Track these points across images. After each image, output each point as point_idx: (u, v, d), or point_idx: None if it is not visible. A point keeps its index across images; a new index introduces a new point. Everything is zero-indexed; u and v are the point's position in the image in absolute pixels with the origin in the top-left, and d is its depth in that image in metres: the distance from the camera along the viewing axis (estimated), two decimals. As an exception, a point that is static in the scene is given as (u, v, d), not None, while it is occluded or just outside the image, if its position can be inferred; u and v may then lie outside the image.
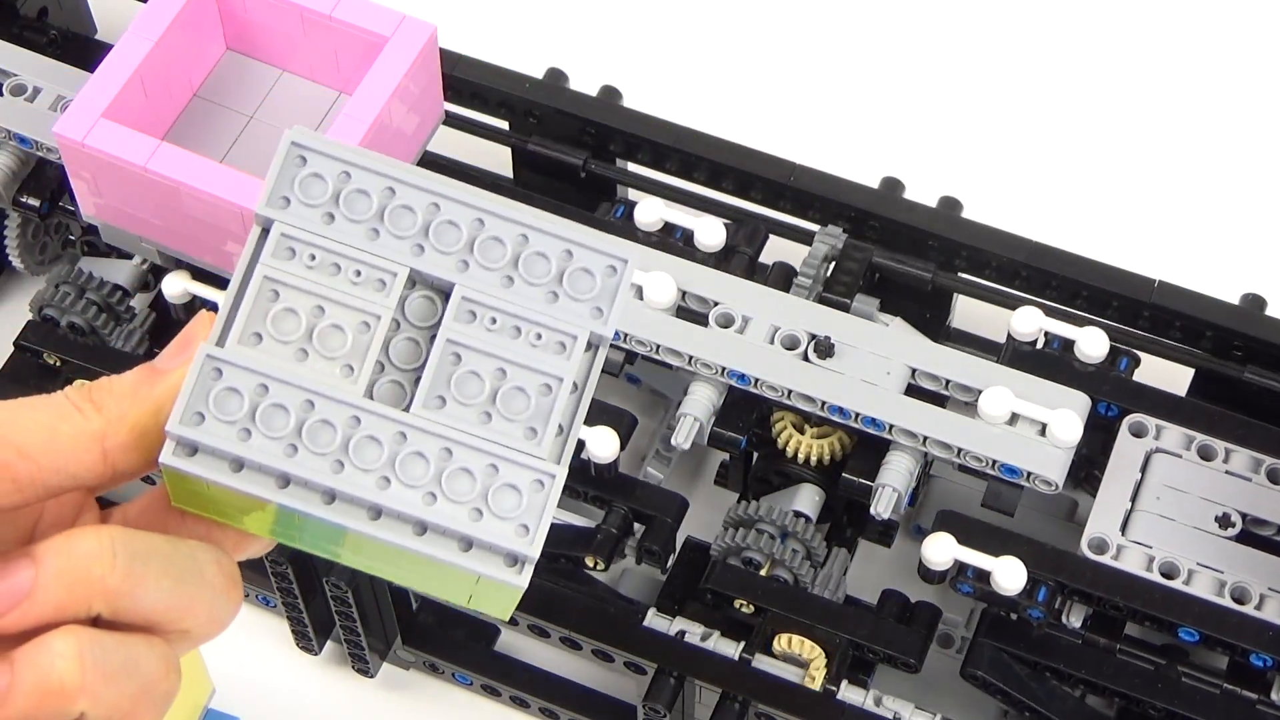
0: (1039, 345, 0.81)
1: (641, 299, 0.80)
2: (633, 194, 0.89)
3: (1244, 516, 0.76)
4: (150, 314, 0.86)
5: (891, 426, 0.77)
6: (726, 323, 0.80)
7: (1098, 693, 0.77)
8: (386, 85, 0.77)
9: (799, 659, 0.77)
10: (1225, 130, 1.03)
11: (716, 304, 0.80)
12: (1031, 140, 1.03)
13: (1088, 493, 0.82)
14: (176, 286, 0.82)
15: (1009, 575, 0.74)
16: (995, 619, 0.77)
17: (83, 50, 0.90)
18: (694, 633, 0.78)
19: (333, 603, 0.80)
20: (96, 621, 0.46)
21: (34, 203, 0.87)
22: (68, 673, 0.45)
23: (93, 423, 0.47)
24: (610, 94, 0.89)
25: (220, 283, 0.82)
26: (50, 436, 0.47)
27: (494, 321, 0.48)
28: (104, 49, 0.80)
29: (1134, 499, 0.77)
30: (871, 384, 0.78)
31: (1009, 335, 0.81)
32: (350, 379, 0.47)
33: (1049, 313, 0.81)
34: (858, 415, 0.77)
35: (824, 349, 0.78)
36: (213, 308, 0.80)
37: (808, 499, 0.81)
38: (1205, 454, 0.78)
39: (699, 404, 0.79)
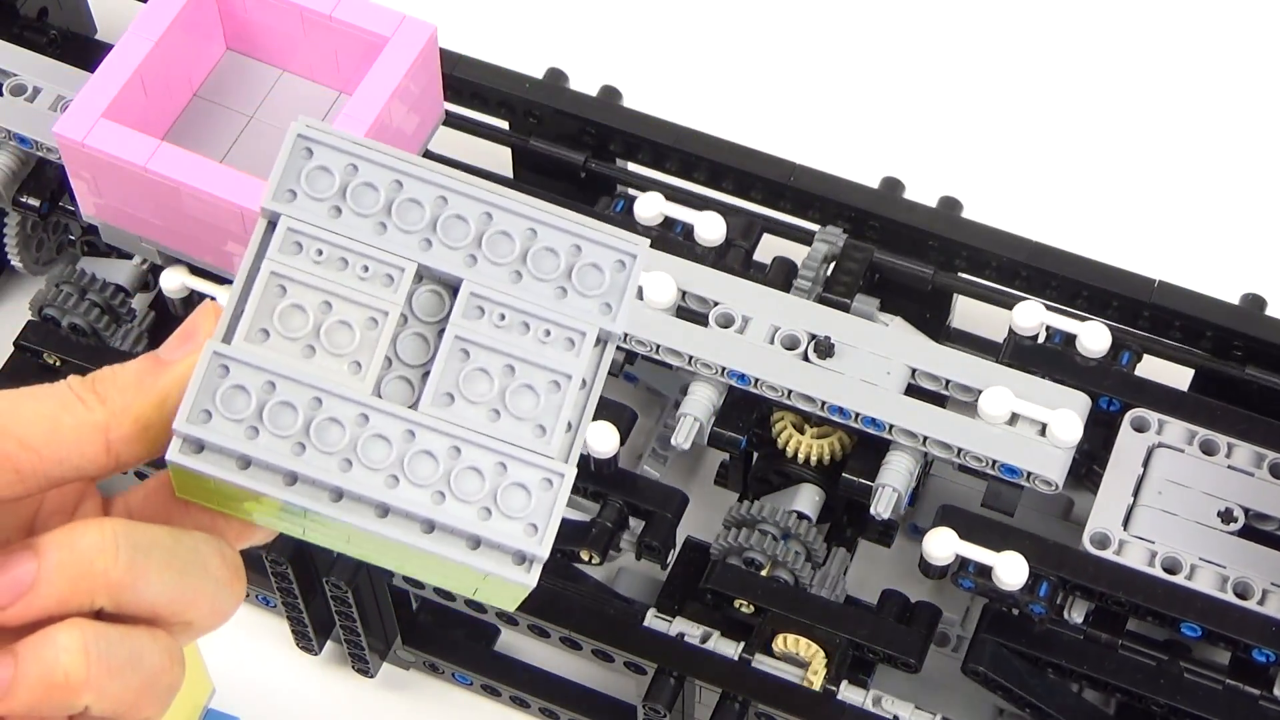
0: (1040, 340, 0.81)
1: (641, 299, 0.80)
2: (632, 169, 0.89)
3: (1246, 511, 0.76)
4: (150, 314, 0.86)
5: (891, 426, 0.77)
6: (726, 323, 0.80)
7: (1100, 689, 0.77)
8: (386, 85, 0.77)
9: (799, 659, 0.77)
10: (1225, 130, 1.03)
11: (716, 304, 0.80)
12: (1031, 140, 1.03)
13: (1087, 490, 0.82)
14: (174, 281, 0.82)
15: (1011, 570, 0.74)
16: (997, 615, 0.77)
17: (83, 50, 0.90)
18: (694, 633, 0.78)
19: (333, 603, 0.80)
20: (99, 614, 0.46)
21: (34, 203, 0.87)
22: (72, 666, 0.45)
23: (96, 414, 0.47)
24: (610, 94, 0.89)
25: (219, 279, 0.82)
26: (53, 428, 0.46)
27: (502, 318, 0.48)
28: (104, 49, 0.80)
29: (1136, 494, 0.77)
30: (871, 384, 0.78)
31: (1010, 330, 0.81)
32: (358, 376, 0.47)
33: (1050, 308, 0.81)
34: (858, 415, 0.77)
35: (824, 349, 0.78)
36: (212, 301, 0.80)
37: (808, 499, 0.81)
38: (1207, 449, 0.78)
39: (699, 404, 0.79)
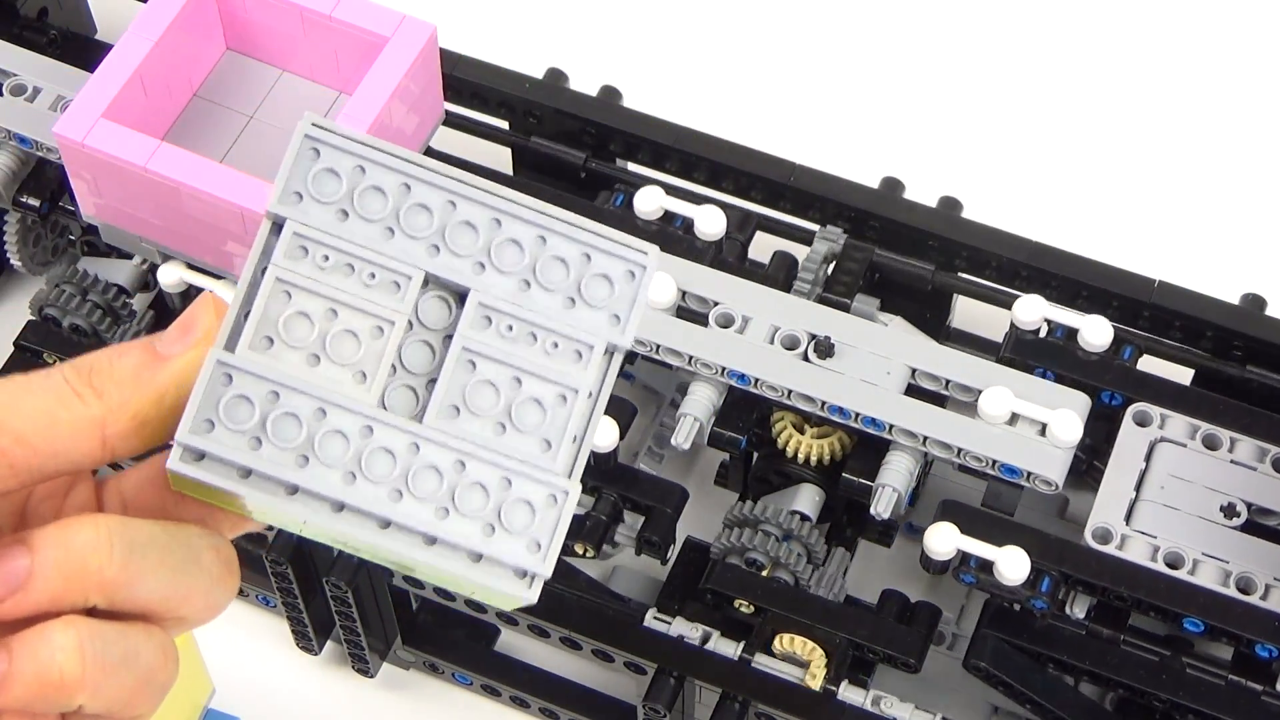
0: (1041, 334, 0.81)
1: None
2: (632, 168, 0.88)
3: (1249, 506, 0.76)
4: (150, 314, 0.86)
5: (891, 426, 0.77)
6: (726, 323, 0.80)
7: (1102, 684, 0.76)
8: (387, 85, 0.77)
9: (799, 659, 0.77)
10: (1225, 130, 1.03)
11: (716, 304, 0.80)
12: (1031, 140, 1.03)
13: (1085, 489, 0.82)
14: (172, 275, 0.82)
15: (1012, 565, 0.74)
16: (998, 610, 0.77)
17: (83, 50, 0.90)
18: (694, 633, 0.78)
19: (333, 603, 0.80)
20: (92, 610, 0.46)
21: (34, 203, 0.87)
22: (68, 665, 0.45)
23: (93, 409, 0.46)
24: (610, 94, 0.89)
25: (217, 274, 0.82)
26: (49, 423, 0.46)
27: (510, 328, 0.47)
28: (104, 49, 0.80)
29: (1138, 488, 0.77)
30: (871, 384, 0.78)
31: (1011, 324, 0.81)
32: (363, 387, 0.46)
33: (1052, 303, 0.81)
34: (858, 415, 0.77)
35: (824, 349, 0.78)
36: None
37: (808, 499, 0.81)
38: (1210, 443, 0.78)
39: (699, 404, 0.79)
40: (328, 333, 0.46)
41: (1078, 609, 0.76)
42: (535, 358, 0.47)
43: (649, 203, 0.84)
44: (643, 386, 0.90)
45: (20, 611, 0.45)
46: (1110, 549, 0.75)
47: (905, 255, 0.84)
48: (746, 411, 0.80)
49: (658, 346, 0.79)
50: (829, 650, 0.77)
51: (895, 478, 0.77)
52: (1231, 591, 0.74)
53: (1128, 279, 0.83)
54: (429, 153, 0.85)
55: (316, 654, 0.86)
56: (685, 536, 0.83)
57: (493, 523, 0.46)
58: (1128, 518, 0.76)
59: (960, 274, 0.85)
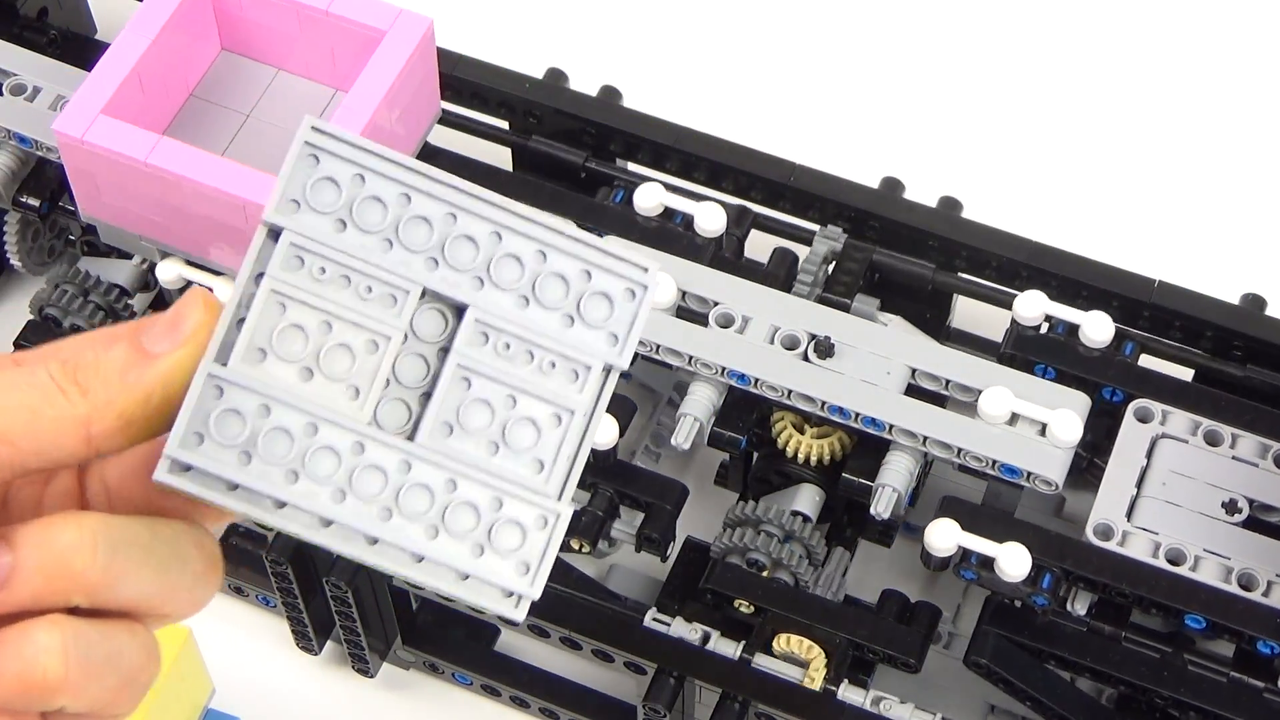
0: (1043, 331, 0.81)
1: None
2: (632, 169, 0.88)
3: (1251, 502, 0.76)
4: (150, 314, 0.86)
5: (891, 426, 0.77)
6: (726, 323, 0.80)
7: (1103, 681, 0.76)
8: (384, 80, 0.77)
9: (799, 659, 0.77)
10: (1225, 130, 1.03)
11: (716, 304, 0.80)
12: (1031, 140, 1.03)
13: (1083, 486, 0.82)
14: (171, 272, 0.82)
15: (1013, 562, 0.74)
16: (999, 606, 0.77)
17: (83, 50, 0.90)
18: (694, 633, 0.78)
19: (333, 603, 0.80)
20: (74, 608, 0.46)
21: (34, 203, 0.87)
22: (51, 667, 0.44)
23: (78, 408, 0.45)
24: (610, 94, 0.89)
25: (216, 270, 0.82)
26: (32, 420, 0.45)
27: (507, 346, 0.46)
28: (103, 49, 0.80)
29: (1140, 485, 0.77)
30: (871, 384, 0.78)
31: (1012, 320, 0.81)
32: (356, 402, 0.45)
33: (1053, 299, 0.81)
34: (858, 415, 0.77)
35: (824, 349, 0.78)
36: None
37: (808, 499, 0.81)
38: (1211, 439, 0.78)
39: (699, 404, 0.79)
40: (322, 346, 0.45)
41: (1079, 606, 0.76)
42: (531, 376, 0.46)
43: (649, 199, 0.84)
44: (639, 385, 0.90)
45: (1, 610, 0.45)
46: (1112, 545, 0.75)
47: (905, 255, 0.84)
48: (746, 411, 0.80)
49: (658, 346, 0.79)
50: (829, 650, 0.77)
51: (895, 478, 0.77)
52: (1233, 588, 0.74)
53: (1128, 279, 0.83)
54: (427, 148, 0.85)
55: (316, 654, 0.86)
56: (685, 536, 0.83)
57: (482, 543, 0.46)
58: (1129, 514, 0.76)
59: (960, 274, 0.85)
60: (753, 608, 0.78)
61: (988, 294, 0.84)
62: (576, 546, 0.79)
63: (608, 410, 0.76)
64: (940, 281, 0.84)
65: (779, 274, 0.84)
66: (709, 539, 0.81)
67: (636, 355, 0.79)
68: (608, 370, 0.47)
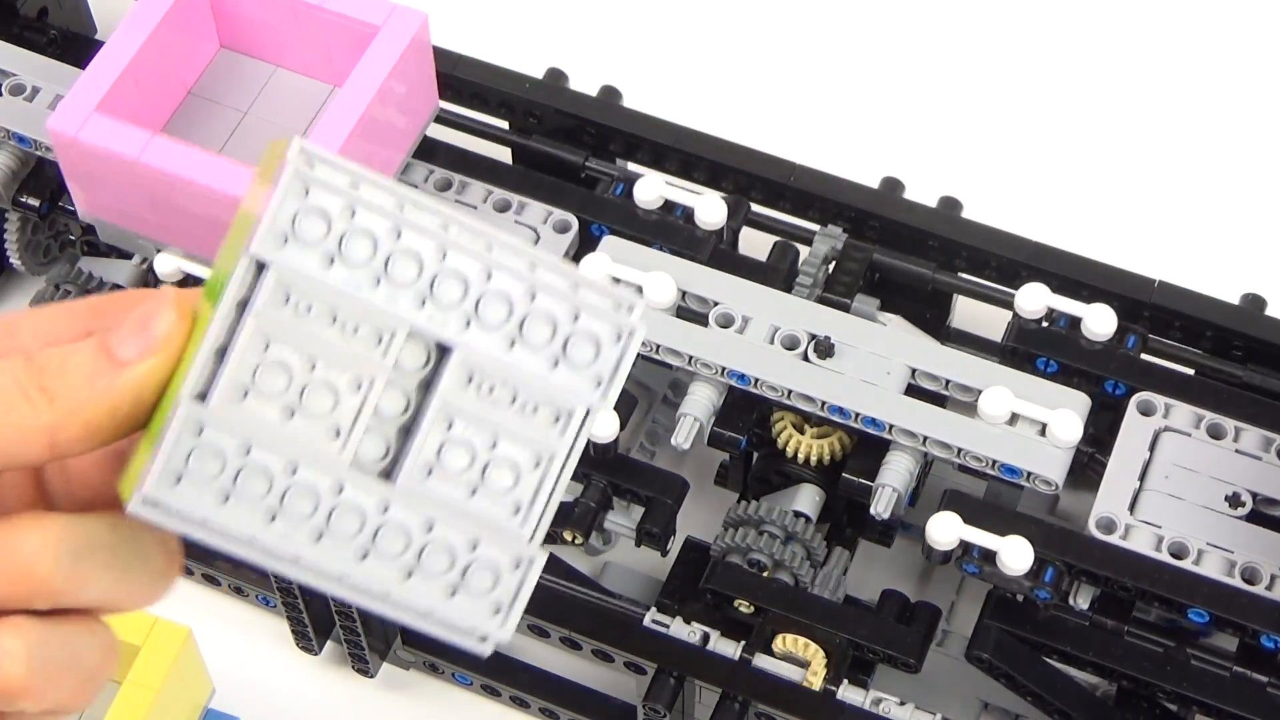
0: (1045, 324, 0.81)
1: (641, 298, 0.80)
2: (632, 168, 0.89)
3: (1254, 496, 0.76)
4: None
5: (891, 426, 0.77)
6: (726, 323, 0.80)
7: (1105, 675, 0.76)
8: (378, 74, 0.78)
9: (799, 659, 0.77)
10: (1225, 130, 1.03)
11: (716, 304, 0.80)
12: (1031, 140, 1.03)
13: (1078, 484, 0.81)
14: (169, 265, 0.82)
15: (1016, 555, 0.74)
16: (1000, 600, 0.77)
17: (82, 50, 0.90)
18: (694, 633, 0.78)
19: (333, 603, 0.80)
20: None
21: (34, 203, 0.87)
22: (14, 673, 0.44)
23: (43, 416, 0.44)
24: (610, 94, 0.89)
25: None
26: None
27: (491, 389, 0.45)
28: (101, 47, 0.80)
29: (1142, 478, 0.76)
30: (871, 384, 0.78)
31: (1014, 313, 0.81)
32: (337, 443, 0.44)
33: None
34: (858, 415, 0.77)
35: (824, 349, 0.78)
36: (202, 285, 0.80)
37: (808, 499, 0.81)
38: (1215, 432, 0.77)
39: (699, 404, 0.79)
40: (305, 385, 0.44)
41: (1081, 600, 0.76)
42: (514, 419, 0.45)
43: (649, 192, 0.84)
44: (635, 382, 0.90)
45: None
46: (1114, 539, 0.75)
47: (905, 255, 0.84)
48: (746, 411, 0.80)
49: (658, 346, 0.79)
50: (829, 650, 0.77)
51: (895, 478, 0.77)
52: (1236, 582, 0.74)
53: (1128, 279, 0.82)
54: (425, 143, 0.85)
55: (316, 654, 0.86)
56: (685, 536, 0.83)
57: (456, 584, 0.45)
58: (1132, 507, 0.76)
59: (960, 274, 0.85)
60: (753, 608, 0.78)
61: (988, 294, 0.84)
62: (570, 538, 0.79)
63: None
64: (940, 281, 0.84)
65: (780, 268, 0.84)
66: (709, 539, 0.81)
67: (638, 357, 0.80)
68: (589, 412, 0.46)
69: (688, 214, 0.84)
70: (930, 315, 0.85)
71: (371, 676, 0.86)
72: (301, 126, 0.81)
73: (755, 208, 0.87)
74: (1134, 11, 1.07)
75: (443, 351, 0.45)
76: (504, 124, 0.90)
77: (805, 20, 1.08)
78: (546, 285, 0.45)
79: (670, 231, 0.83)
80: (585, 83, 0.89)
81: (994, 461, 0.76)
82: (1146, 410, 0.78)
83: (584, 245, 0.84)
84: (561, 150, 0.88)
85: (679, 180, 0.87)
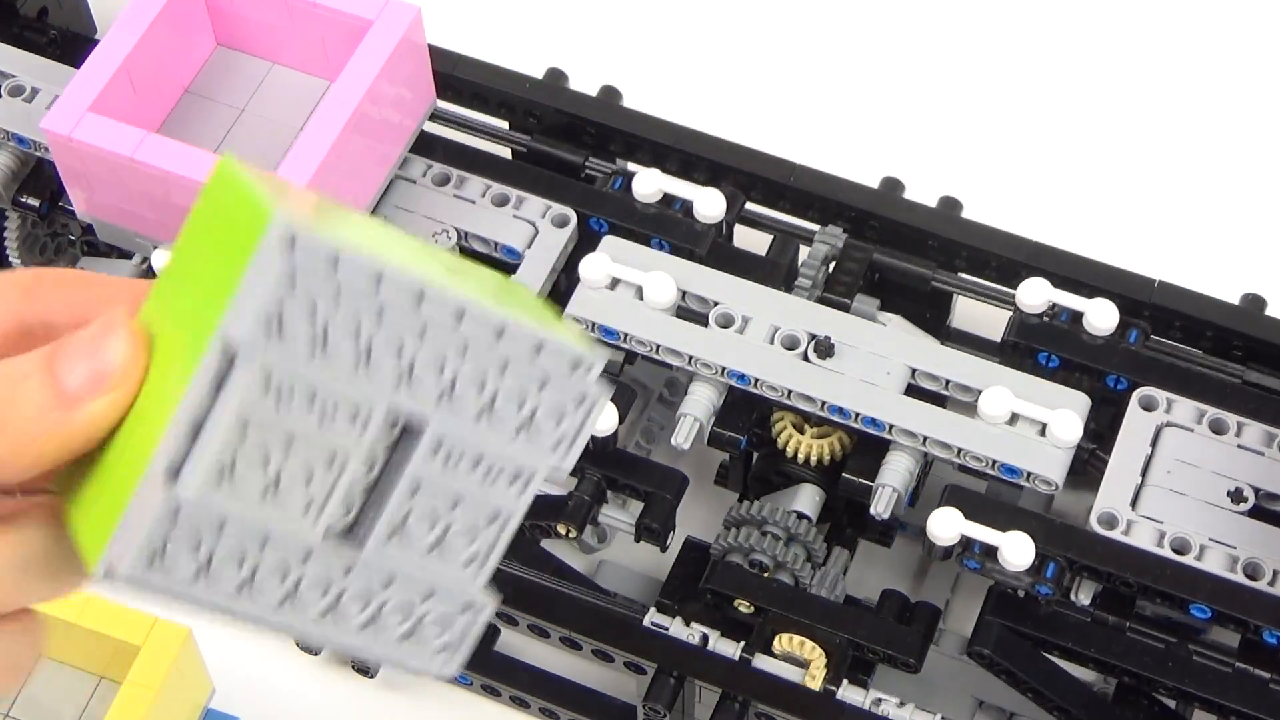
0: (1046, 319, 0.80)
1: (641, 299, 0.80)
2: (631, 168, 0.89)
3: (1256, 491, 0.76)
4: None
5: (891, 426, 0.77)
6: (726, 323, 0.80)
7: (1107, 671, 0.76)
8: (371, 68, 0.78)
9: (799, 659, 0.77)
10: (1225, 130, 1.03)
11: (716, 304, 0.80)
12: (1031, 140, 1.03)
13: (1076, 484, 0.81)
14: (166, 260, 0.82)
15: (1017, 551, 0.74)
16: (1001, 596, 0.77)
17: (82, 50, 0.90)
18: (694, 633, 0.78)
19: (333, 603, 0.80)
20: None
21: (34, 203, 0.87)
22: None
23: None
24: (610, 94, 0.89)
25: None
26: None
27: (459, 459, 0.45)
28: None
29: (1144, 473, 0.76)
30: (871, 384, 0.78)
31: (1016, 307, 0.81)
32: (308, 517, 0.44)
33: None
34: (858, 415, 0.77)
35: (824, 349, 0.78)
36: None
37: (808, 499, 0.81)
38: (1217, 428, 0.77)
39: (699, 404, 0.79)
40: (282, 466, 0.43)
41: (1083, 595, 0.76)
42: (476, 485, 0.46)
43: (648, 185, 0.84)
44: (630, 380, 0.90)
45: None
46: (1116, 534, 0.75)
47: (905, 255, 0.84)
48: (746, 411, 0.80)
49: (658, 346, 0.79)
50: (829, 650, 0.77)
51: (895, 478, 0.77)
52: (1239, 577, 0.74)
53: (1128, 279, 0.83)
54: (421, 139, 0.85)
55: (316, 654, 0.86)
56: (685, 536, 0.83)
57: (411, 632, 0.46)
58: (1133, 503, 0.76)
59: (960, 274, 0.85)
60: (753, 608, 0.78)
61: (988, 294, 0.84)
62: (564, 531, 0.79)
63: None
64: (940, 281, 0.84)
65: (781, 262, 0.84)
66: (709, 539, 0.81)
67: (636, 356, 0.80)
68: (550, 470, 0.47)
69: (687, 208, 0.84)
70: (930, 315, 0.85)
71: (371, 676, 0.86)
72: (298, 123, 0.81)
73: (756, 207, 0.87)
74: (1134, 11, 1.07)
75: (410, 418, 0.45)
76: (504, 124, 0.90)
77: (805, 20, 1.08)
78: (516, 355, 0.45)
79: (669, 225, 0.83)
80: (585, 83, 0.89)
81: (994, 461, 0.76)
82: (1148, 405, 0.78)
83: (583, 239, 0.84)
84: (561, 150, 0.88)
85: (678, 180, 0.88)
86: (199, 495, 0.42)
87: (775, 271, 0.83)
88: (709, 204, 0.83)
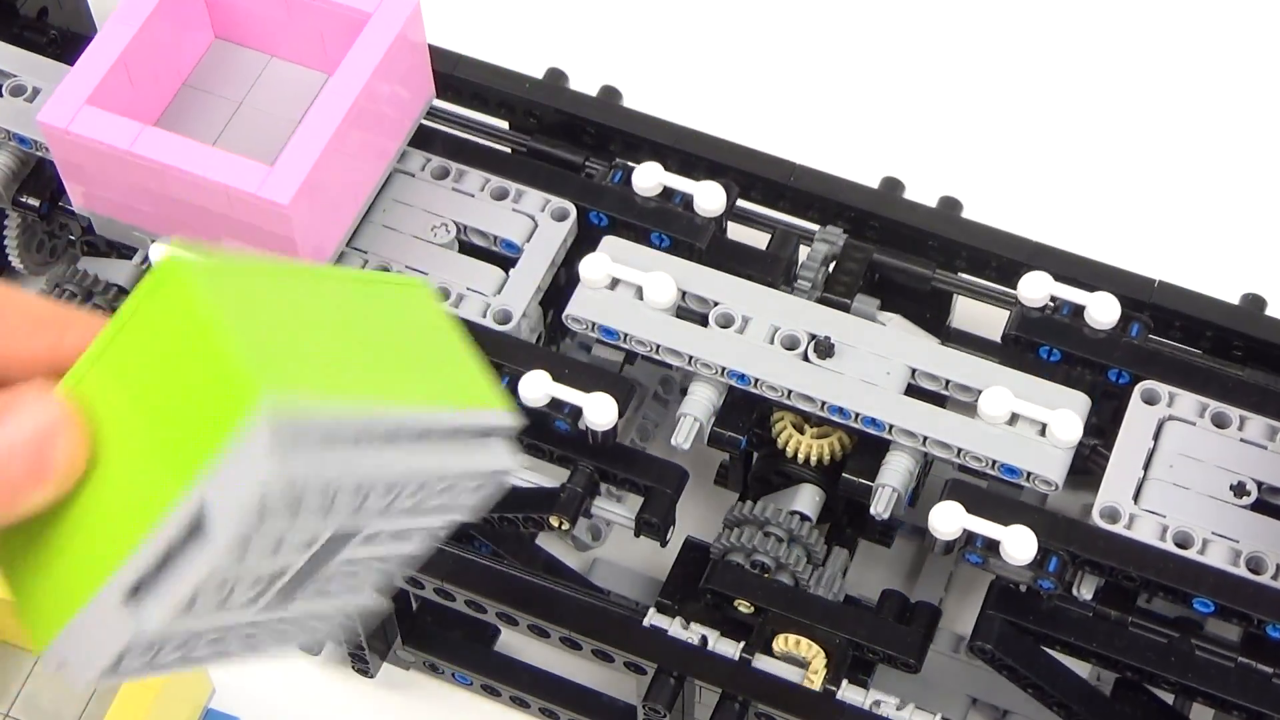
0: (1048, 312, 0.80)
1: (641, 299, 0.80)
2: (631, 163, 0.89)
3: (1259, 485, 0.76)
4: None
5: (891, 426, 0.77)
6: (726, 323, 0.80)
7: (1109, 666, 0.76)
8: (369, 61, 0.78)
9: (799, 659, 0.77)
10: (1225, 130, 1.03)
11: (716, 304, 0.80)
12: (1031, 140, 1.03)
13: (1072, 483, 0.81)
14: (164, 255, 0.82)
15: (1019, 545, 0.73)
16: (1003, 591, 0.76)
17: (82, 50, 0.90)
18: (693, 633, 0.78)
19: (333, 603, 0.80)
20: None
21: (34, 203, 0.87)
22: None
23: None
24: (610, 94, 0.89)
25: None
26: None
27: (384, 537, 0.48)
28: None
29: (1147, 467, 0.76)
30: (871, 384, 0.78)
31: (1017, 301, 0.80)
32: (254, 608, 0.46)
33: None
34: (858, 415, 0.77)
35: (824, 349, 0.78)
36: None
37: (808, 499, 0.81)
38: (1219, 421, 0.77)
39: (699, 404, 0.79)
40: (235, 586, 0.45)
41: (1085, 590, 0.76)
42: (387, 547, 0.49)
43: (648, 179, 0.84)
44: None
45: None
46: (1119, 528, 0.75)
47: (905, 255, 0.84)
48: (746, 411, 0.80)
49: (658, 346, 0.79)
50: (829, 650, 0.77)
51: (895, 478, 0.77)
52: (1242, 571, 0.73)
53: (1128, 279, 0.82)
54: (420, 133, 0.85)
55: (316, 654, 0.86)
56: (685, 536, 0.83)
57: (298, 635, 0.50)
58: (1136, 497, 0.75)
59: (960, 274, 0.85)
60: (753, 608, 0.78)
61: (988, 294, 0.84)
62: (556, 523, 0.79)
63: (606, 391, 0.77)
64: (940, 281, 0.84)
65: (782, 255, 0.84)
66: (709, 539, 0.81)
67: (637, 356, 0.80)
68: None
69: (687, 201, 0.84)
70: (930, 315, 0.85)
71: (371, 676, 0.86)
72: (296, 116, 0.81)
73: (756, 207, 0.87)
74: (1134, 11, 1.08)
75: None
76: (504, 124, 0.90)
77: (805, 20, 1.08)
78: (446, 480, 0.47)
79: (669, 219, 0.83)
80: (585, 83, 0.89)
81: (994, 461, 0.76)
82: (1150, 399, 0.78)
83: (582, 233, 0.84)
84: (561, 150, 0.88)
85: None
86: (164, 626, 0.43)
87: (775, 265, 0.83)
88: (709, 197, 0.83)
